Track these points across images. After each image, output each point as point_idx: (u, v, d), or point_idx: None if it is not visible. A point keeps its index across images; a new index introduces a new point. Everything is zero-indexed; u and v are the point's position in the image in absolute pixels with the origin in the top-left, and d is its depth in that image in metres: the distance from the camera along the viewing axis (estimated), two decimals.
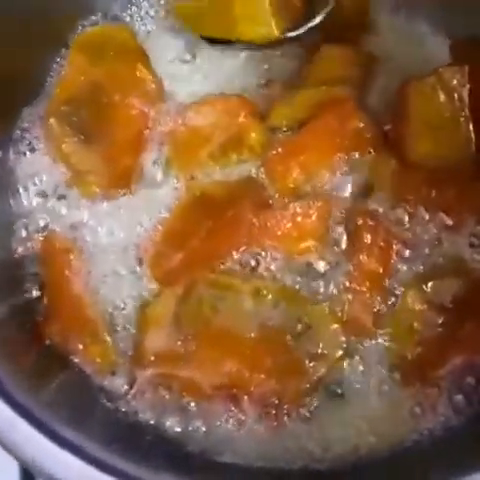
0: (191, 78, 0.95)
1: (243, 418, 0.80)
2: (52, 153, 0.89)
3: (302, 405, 0.80)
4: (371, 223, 0.85)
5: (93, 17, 0.97)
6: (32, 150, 0.90)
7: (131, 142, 0.89)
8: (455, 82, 0.80)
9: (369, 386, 0.81)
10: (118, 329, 0.84)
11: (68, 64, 0.91)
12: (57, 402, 0.76)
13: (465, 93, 0.80)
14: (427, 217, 0.86)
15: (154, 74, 0.93)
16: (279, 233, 0.83)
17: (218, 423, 0.81)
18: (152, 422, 0.81)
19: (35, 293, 0.85)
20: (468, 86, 0.79)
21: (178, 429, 0.81)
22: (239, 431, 0.80)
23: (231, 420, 0.80)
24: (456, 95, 0.80)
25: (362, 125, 0.85)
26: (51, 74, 0.94)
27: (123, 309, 0.85)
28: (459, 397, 0.81)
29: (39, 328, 0.83)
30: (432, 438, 0.79)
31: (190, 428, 0.81)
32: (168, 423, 0.81)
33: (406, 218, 0.86)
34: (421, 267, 0.84)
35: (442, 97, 0.80)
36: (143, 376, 0.82)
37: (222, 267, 0.83)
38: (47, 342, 0.83)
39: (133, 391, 0.82)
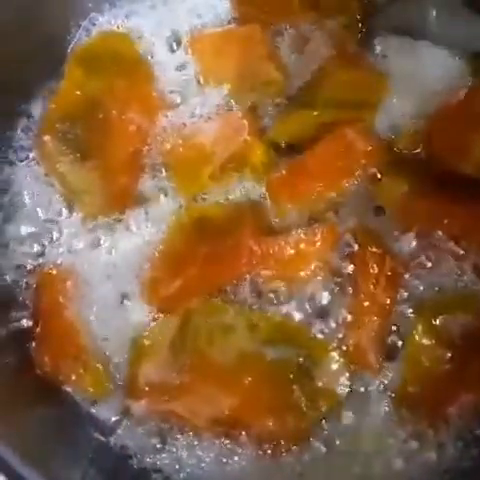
0: (195, 90, 0.90)
1: (238, 455, 0.77)
2: (46, 171, 0.85)
3: (301, 444, 0.76)
4: (378, 251, 0.81)
5: (92, 28, 0.93)
6: (26, 167, 0.87)
7: (129, 160, 0.86)
8: None
9: (371, 423, 0.78)
10: (112, 358, 0.81)
11: (65, 78, 0.88)
12: (44, 435, 0.74)
13: None
14: (438, 245, 0.82)
15: (155, 87, 0.89)
16: (281, 261, 0.79)
17: (212, 458, 0.78)
18: (143, 455, 0.79)
19: (26, 321, 0.82)
20: None
21: (170, 463, 0.78)
22: (234, 468, 0.77)
23: (226, 456, 0.77)
24: None
25: (370, 148, 0.81)
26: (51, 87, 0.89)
27: (118, 337, 0.81)
28: (469, 438, 0.78)
29: (29, 357, 0.80)
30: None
31: (182, 463, 0.78)
32: (159, 456, 0.79)
33: (415, 246, 0.82)
34: (430, 299, 0.80)
35: None
36: (137, 407, 0.79)
37: (220, 296, 0.79)
38: (37, 371, 0.80)
39: (125, 423, 0.79)
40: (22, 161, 0.87)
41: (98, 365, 0.80)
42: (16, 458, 0.66)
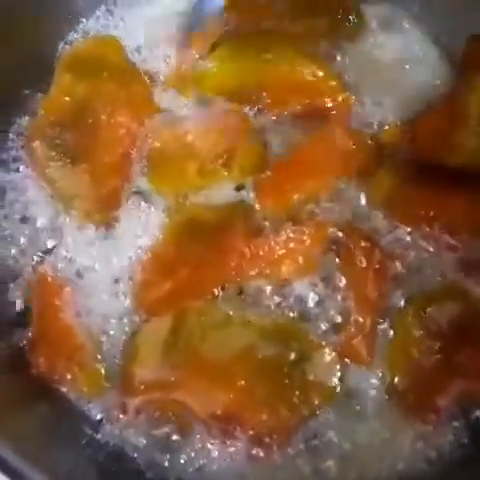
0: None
1: (233, 450, 0.78)
2: (37, 177, 0.86)
3: (294, 437, 0.78)
4: (366, 245, 0.82)
5: (83, 33, 0.94)
6: (16, 171, 0.88)
7: (118, 163, 0.87)
8: None
9: (365, 416, 0.79)
10: (107, 357, 0.82)
11: (54, 83, 0.89)
12: (38, 432, 0.76)
13: None
14: (427, 237, 0.83)
15: (144, 89, 0.90)
16: (272, 260, 0.81)
17: (204, 457, 0.78)
18: (138, 452, 0.80)
19: (22, 323, 0.83)
20: None
21: (165, 458, 0.79)
22: (226, 466, 0.78)
23: (219, 455, 0.78)
24: None
25: (353, 146, 0.83)
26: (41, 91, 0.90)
27: (112, 338, 0.82)
28: (462, 427, 0.79)
29: (24, 357, 0.81)
30: (433, 471, 0.78)
31: (177, 458, 0.79)
32: (155, 453, 0.79)
33: (403, 239, 0.84)
34: (418, 291, 0.82)
35: None
36: (132, 404, 0.80)
37: (212, 297, 0.81)
38: (33, 371, 0.81)
39: (121, 420, 0.80)
40: (20, 166, 0.88)
41: (93, 364, 0.81)
42: (9, 452, 0.67)
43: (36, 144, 0.85)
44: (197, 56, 0.90)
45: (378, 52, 0.90)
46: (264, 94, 0.87)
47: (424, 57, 0.90)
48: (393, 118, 0.88)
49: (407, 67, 0.90)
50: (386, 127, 0.87)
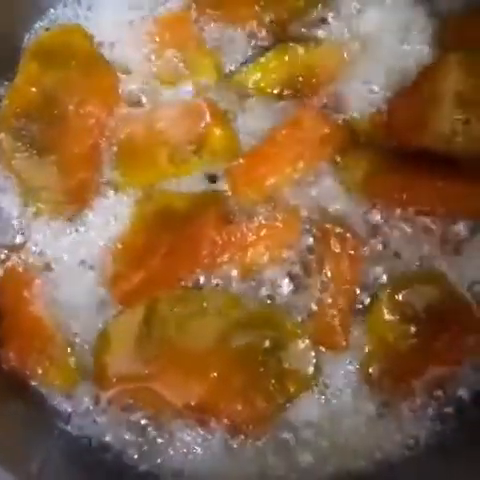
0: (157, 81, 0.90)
1: (209, 441, 0.77)
2: (3, 169, 0.85)
3: (269, 428, 0.77)
4: (340, 231, 0.81)
5: (49, 22, 0.92)
6: None
7: (87, 154, 0.85)
8: None
9: (340, 402, 0.78)
10: (78, 350, 0.81)
11: (19, 73, 0.87)
12: (9, 425, 0.75)
13: None
14: (401, 221, 0.82)
15: (113, 79, 0.88)
16: (244, 247, 0.80)
17: (178, 448, 0.78)
18: (111, 444, 0.79)
19: None
20: None
21: (137, 451, 0.79)
22: (199, 457, 0.78)
23: (194, 442, 0.78)
24: None
25: (328, 131, 0.82)
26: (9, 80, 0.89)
27: (84, 330, 0.81)
28: (435, 416, 0.79)
29: None
30: (409, 457, 0.77)
31: (150, 450, 0.79)
32: (129, 444, 0.79)
33: (379, 222, 0.83)
34: (393, 275, 0.81)
35: None
36: (105, 396, 0.79)
37: (184, 286, 0.79)
38: (3, 366, 0.80)
39: (93, 412, 0.79)
40: None
41: (64, 358, 0.80)
42: None
43: (1, 136, 0.83)
44: None
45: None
46: None
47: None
48: (367, 102, 0.86)
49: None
50: (362, 112, 0.86)
